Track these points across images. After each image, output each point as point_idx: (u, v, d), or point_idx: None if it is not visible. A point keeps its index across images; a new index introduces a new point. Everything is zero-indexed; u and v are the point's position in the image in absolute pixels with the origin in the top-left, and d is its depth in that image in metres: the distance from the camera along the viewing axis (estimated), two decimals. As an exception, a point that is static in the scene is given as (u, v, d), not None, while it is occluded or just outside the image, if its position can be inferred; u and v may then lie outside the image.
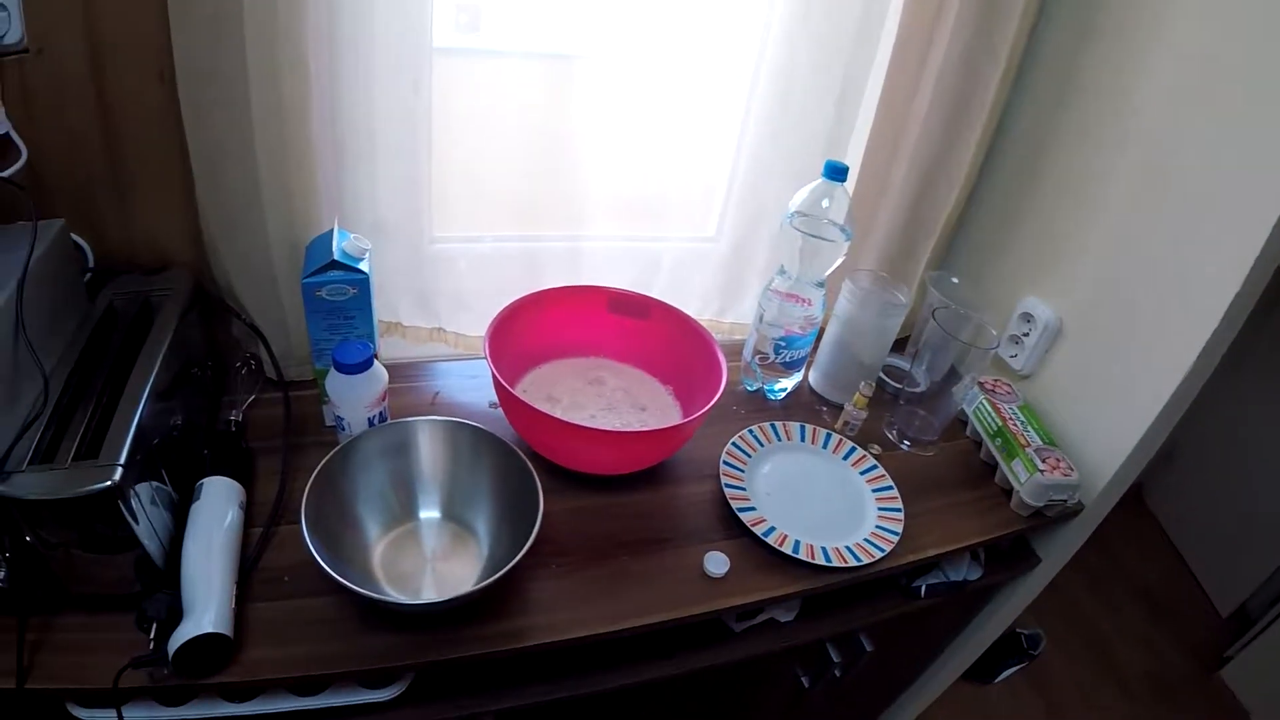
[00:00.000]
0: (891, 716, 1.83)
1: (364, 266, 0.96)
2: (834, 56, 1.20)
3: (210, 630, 0.74)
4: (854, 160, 1.31)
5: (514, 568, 0.84)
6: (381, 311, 1.21)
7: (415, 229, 1.15)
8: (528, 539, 0.86)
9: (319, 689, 0.85)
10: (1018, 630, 1.94)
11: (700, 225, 1.38)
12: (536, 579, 0.95)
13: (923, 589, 1.20)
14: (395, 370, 1.19)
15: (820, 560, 1.02)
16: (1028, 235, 1.35)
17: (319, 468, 0.89)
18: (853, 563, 1.03)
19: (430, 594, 0.90)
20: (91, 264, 1.01)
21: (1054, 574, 1.36)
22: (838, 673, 1.20)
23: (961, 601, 1.33)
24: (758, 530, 1.04)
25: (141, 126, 0.94)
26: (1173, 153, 1.10)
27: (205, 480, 0.90)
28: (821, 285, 1.22)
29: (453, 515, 1.00)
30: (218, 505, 0.88)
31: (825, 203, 1.14)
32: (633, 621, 0.93)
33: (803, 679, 1.24)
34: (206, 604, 0.77)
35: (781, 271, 1.21)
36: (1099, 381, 1.23)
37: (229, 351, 1.14)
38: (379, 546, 0.95)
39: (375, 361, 0.98)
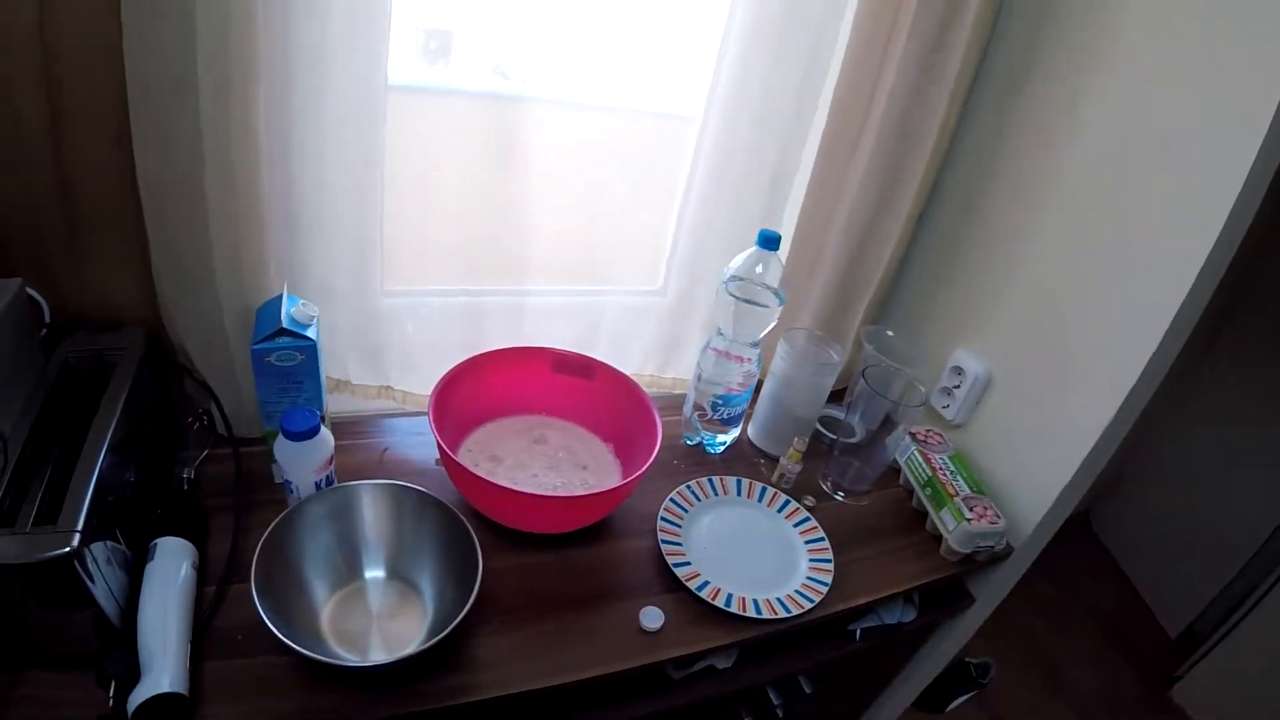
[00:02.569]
0: (843, 751, 1.88)
1: (311, 333, 0.99)
2: (772, 129, 1.26)
3: (168, 690, 0.76)
4: (789, 226, 1.37)
5: (457, 627, 0.86)
6: (330, 368, 1.22)
7: (364, 289, 1.17)
8: (469, 597, 0.89)
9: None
10: (966, 660, 1.98)
11: (646, 279, 1.43)
12: (480, 635, 0.97)
13: (858, 633, 1.25)
14: (344, 426, 1.25)
15: (751, 613, 1.07)
16: (957, 291, 1.42)
17: (266, 533, 0.91)
18: (783, 614, 1.08)
19: (378, 653, 0.92)
20: (48, 320, 1.00)
21: (989, 612, 1.42)
22: (780, 713, 1.25)
23: (899, 641, 1.38)
24: (691, 585, 1.09)
25: (98, 187, 0.95)
26: (1092, 212, 1.18)
27: (159, 540, 0.91)
28: (756, 345, 1.27)
29: (398, 574, 1.01)
30: (171, 564, 0.89)
31: (759, 269, 1.20)
32: (573, 675, 0.96)
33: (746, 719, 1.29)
34: (164, 663, 0.78)
35: (719, 332, 1.26)
36: (1027, 429, 1.30)
37: (182, 407, 1.13)
38: (327, 606, 0.96)
39: (322, 427, 0.99)
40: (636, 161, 1.29)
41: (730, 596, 1.09)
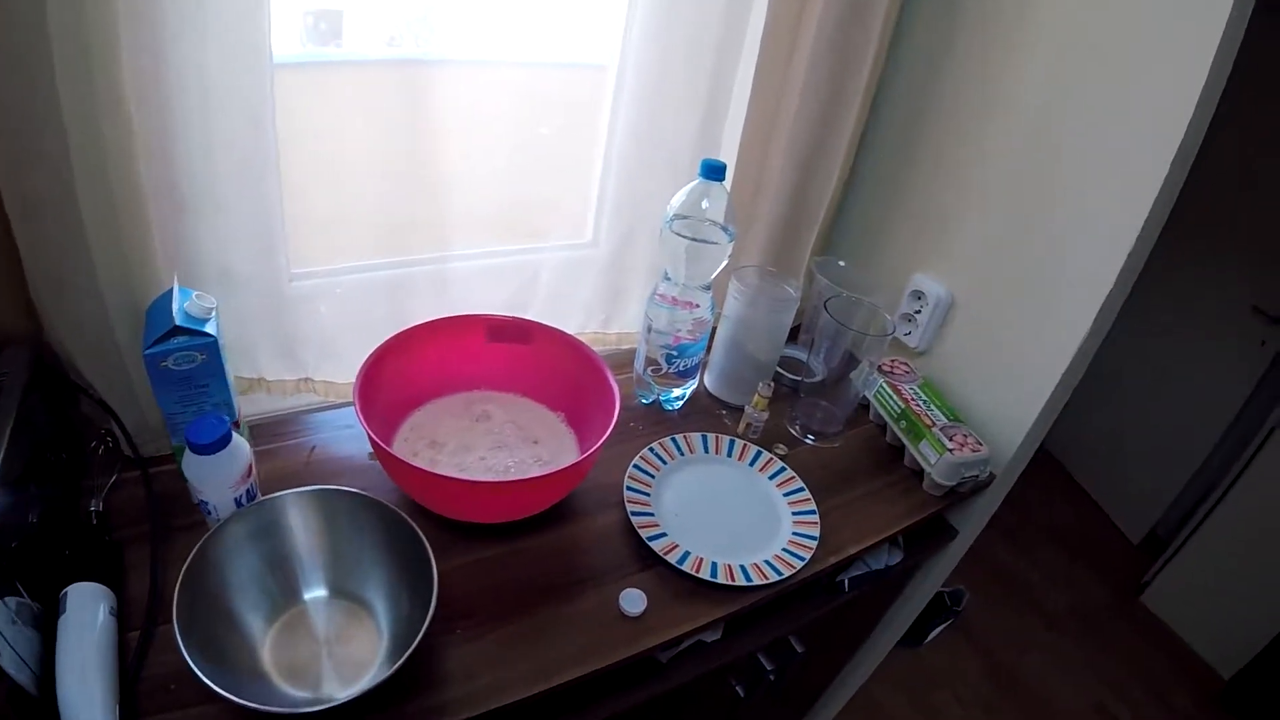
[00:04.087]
0: (831, 697, 1.82)
1: (210, 328, 0.87)
2: (701, 51, 1.15)
3: None
4: (729, 156, 1.26)
5: (420, 644, 0.77)
6: (241, 366, 1.10)
7: (269, 273, 1.04)
8: (428, 607, 0.79)
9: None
10: (940, 590, 1.95)
11: (576, 232, 1.32)
12: (445, 647, 0.87)
13: (846, 583, 1.17)
14: (264, 429, 1.13)
15: (740, 580, 0.98)
16: (910, 213, 1.34)
17: (185, 566, 0.79)
18: (774, 578, 0.99)
19: (331, 684, 0.81)
20: None
21: (971, 541, 1.36)
22: (772, 678, 1.16)
23: (885, 585, 1.31)
24: (671, 559, 0.99)
25: None
26: (1050, 118, 1.11)
27: (69, 588, 0.80)
28: (708, 288, 1.17)
29: (342, 592, 0.90)
30: (86, 614, 0.78)
31: (705, 203, 1.09)
32: (554, 680, 0.86)
33: (738, 689, 1.20)
34: None
35: (666, 277, 1.16)
36: (997, 350, 1.23)
37: (83, 431, 1.01)
38: (267, 638, 0.84)
39: (235, 435, 0.87)
40: (556, 114, 1.18)
41: (715, 565, 0.99)
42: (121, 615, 0.83)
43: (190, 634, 0.73)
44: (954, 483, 1.15)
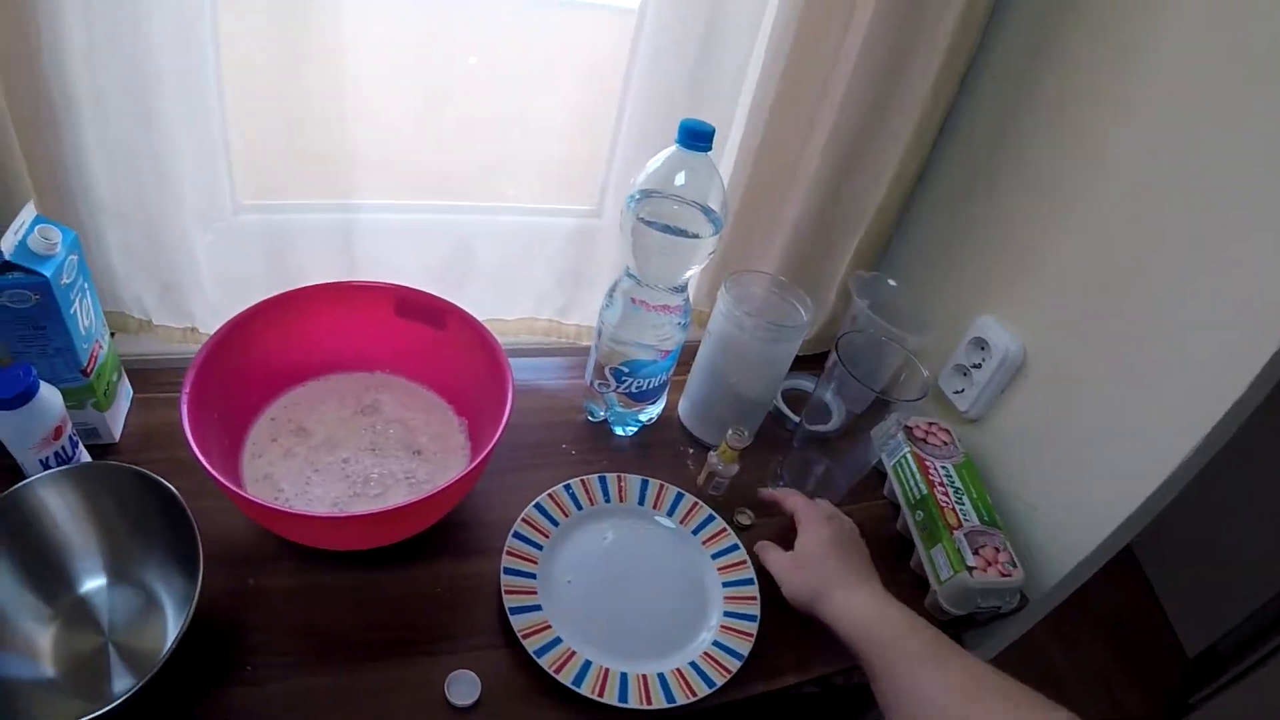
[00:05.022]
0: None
1: (47, 268, 0.75)
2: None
3: None
4: (739, 122, 0.99)
5: (182, 666, 0.63)
6: (131, 307, 0.96)
7: (148, 207, 0.88)
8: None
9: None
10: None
11: (544, 193, 1.06)
12: (230, 683, 0.70)
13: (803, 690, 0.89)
14: (149, 376, 0.97)
15: (613, 697, 0.72)
16: (986, 238, 1.02)
17: None
18: (661, 703, 0.72)
19: (121, 678, 0.70)
20: None
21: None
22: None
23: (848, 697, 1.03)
24: (530, 644, 0.74)
25: None
26: (1188, 130, 0.78)
27: None
28: (682, 289, 0.89)
29: (124, 577, 0.76)
30: None
31: (680, 179, 0.82)
32: None
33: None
34: None
35: (628, 272, 0.89)
36: (1072, 439, 0.91)
37: None
38: (48, 627, 0.72)
39: (43, 390, 0.76)
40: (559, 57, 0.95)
41: (586, 667, 0.74)
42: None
43: None
44: (963, 612, 0.85)
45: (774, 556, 0.82)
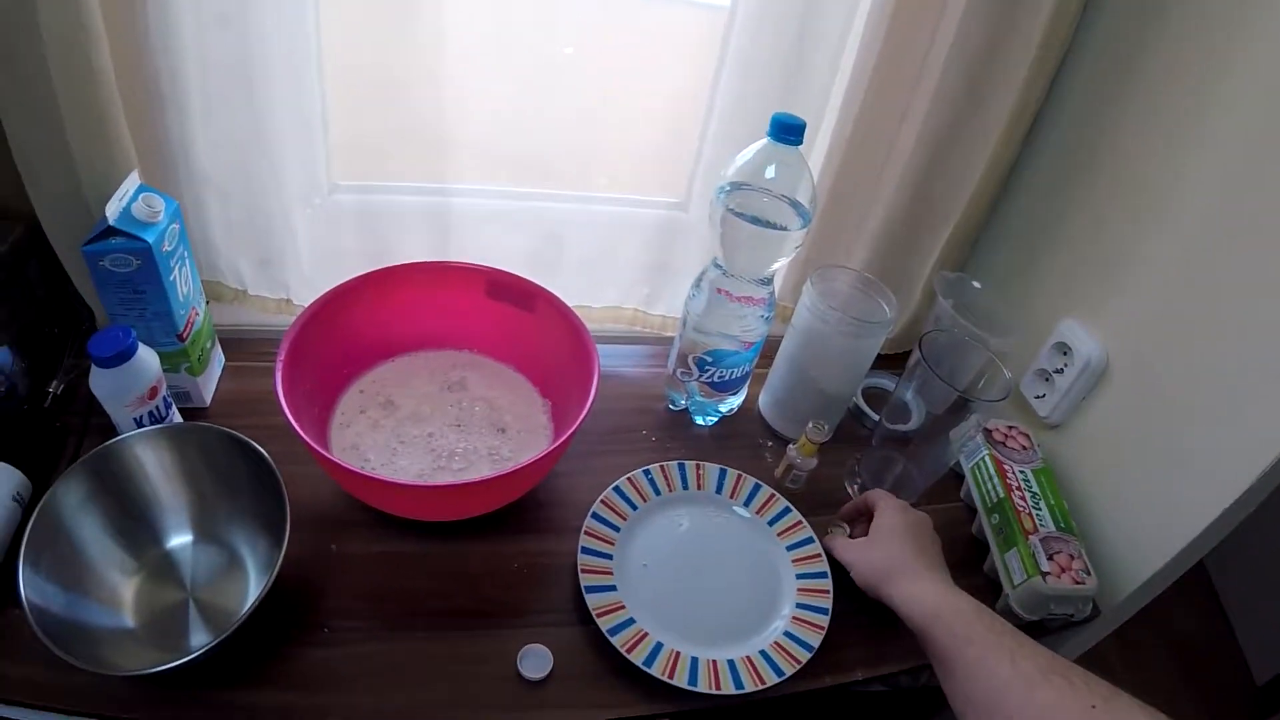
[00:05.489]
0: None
1: (150, 234, 0.77)
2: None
3: None
4: (831, 114, 0.98)
5: (262, 625, 0.68)
6: (227, 275, 1.00)
7: (251, 181, 0.91)
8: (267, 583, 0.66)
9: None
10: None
11: (637, 184, 1.08)
12: (306, 644, 0.73)
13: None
14: (243, 345, 1.02)
15: (683, 680, 0.73)
16: (1072, 238, 1.00)
17: (36, 509, 0.67)
18: (730, 688, 0.73)
19: (199, 634, 0.72)
20: None
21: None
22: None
23: (915, 702, 1.02)
24: (604, 623, 0.75)
25: None
26: (1271, 158, 0.77)
27: None
28: (768, 282, 0.90)
29: (211, 537, 0.79)
30: None
31: (770, 171, 0.82)
32: None
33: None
34: None
35: (715, 263, 0.90)
36: (1151, 449, 0.89)
37: (80, 312, 0.95)
38: (132, 579, 0.75)
39: (141, 351, 0.79)
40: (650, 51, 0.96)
41: (658, 649, 0.75)
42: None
43: (38, 568, 0.65)
44: (1035, 618, 0.85)
45: (844, 542, 0.84)
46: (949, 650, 0.66)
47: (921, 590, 0.72)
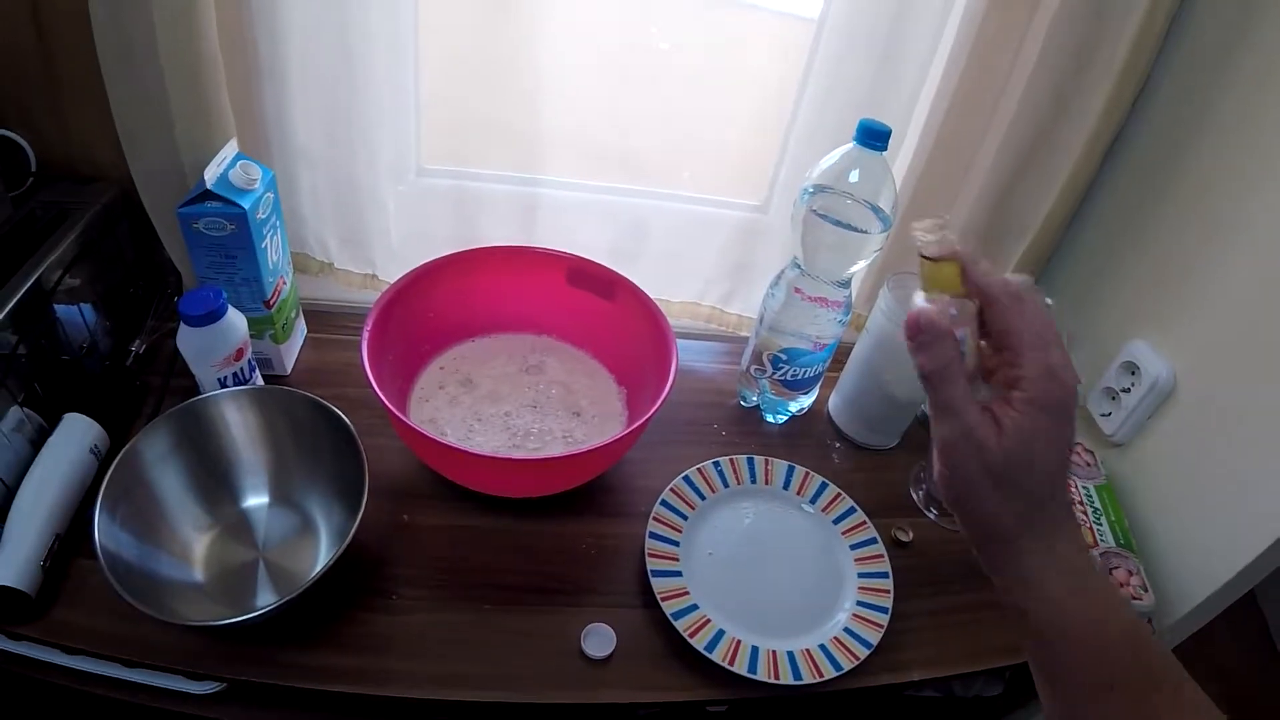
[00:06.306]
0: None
1: (245, 201, 0.80)
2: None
3: (7, 584, 0.66)
4: (919, 120, 1.00)
5: (330, 589, 0.71)
6: (315, 248, 1.03)
7: (342, 157, 0.95)
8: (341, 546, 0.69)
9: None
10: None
11: (718, 185, 1.09)
12: (373, 609, 0.76)
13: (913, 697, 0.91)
14: (325, 318, 1.06)
15: (743, 667, 0.75)
16: (1143, 255, 1.00)
17: (116, 460, 0.71)
18: (789, 679, 0.75)
19: (266, 594, 0.75)
20: (34, 169, 0.91)
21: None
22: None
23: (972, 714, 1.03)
24: (669, 607, 0.77)
25: (70, 28, 0.81)
26: None
27: (66, 416, 0.79)
28: (845, 285, 0.91)
29: (286, 500, 0.82)
30: (68, 447, 0.77)
31: (854, 175, 0.83)
32: (475, 694, 0.71)
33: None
34: (15, 553, 0.68)
35: (795, 263, 0.91)
36: (1217, 466, 0.88)
37: (165, 273, 1.00)
38: (205, 535, 0.78)
39: (230, 313, 0.82)
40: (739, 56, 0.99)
41: (719, 636, 0.77)
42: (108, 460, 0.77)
43: (119, 513, 0.69)
44: (1090, 632, 0.85)
45: (962, 424, 0.45)
46: (1073, 692, 0.46)
47: (1047, 578, 0.45)
